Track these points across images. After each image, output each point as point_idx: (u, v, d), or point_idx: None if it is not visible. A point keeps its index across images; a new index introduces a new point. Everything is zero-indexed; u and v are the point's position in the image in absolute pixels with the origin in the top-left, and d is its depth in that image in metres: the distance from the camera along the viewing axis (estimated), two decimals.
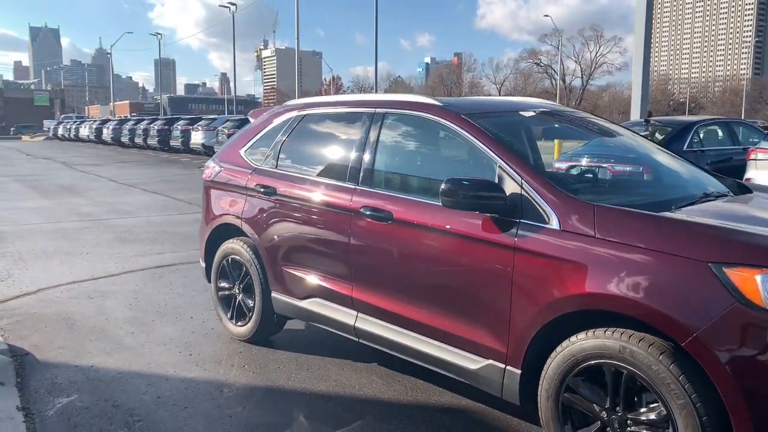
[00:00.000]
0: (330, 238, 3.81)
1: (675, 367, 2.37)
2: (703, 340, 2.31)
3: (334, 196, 3.78)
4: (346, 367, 4.10)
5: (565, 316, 2.71)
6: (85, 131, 43.36)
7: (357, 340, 3.76)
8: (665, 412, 2.42)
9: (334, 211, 3.75)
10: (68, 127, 48.56)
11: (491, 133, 3.22)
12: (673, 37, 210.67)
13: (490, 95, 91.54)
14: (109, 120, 43.32)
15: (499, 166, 3.07)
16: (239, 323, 4.54)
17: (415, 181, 3.66)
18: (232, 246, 4.51)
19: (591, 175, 4.72)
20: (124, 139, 36.11)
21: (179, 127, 29.63)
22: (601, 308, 2.61)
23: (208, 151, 26.38)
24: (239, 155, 4.68)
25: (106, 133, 39.33)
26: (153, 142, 32.62)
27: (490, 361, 3.02)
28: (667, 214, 2.77)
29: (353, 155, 3.80)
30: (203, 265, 4.92)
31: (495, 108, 3.95)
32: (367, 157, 3.72)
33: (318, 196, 3.89)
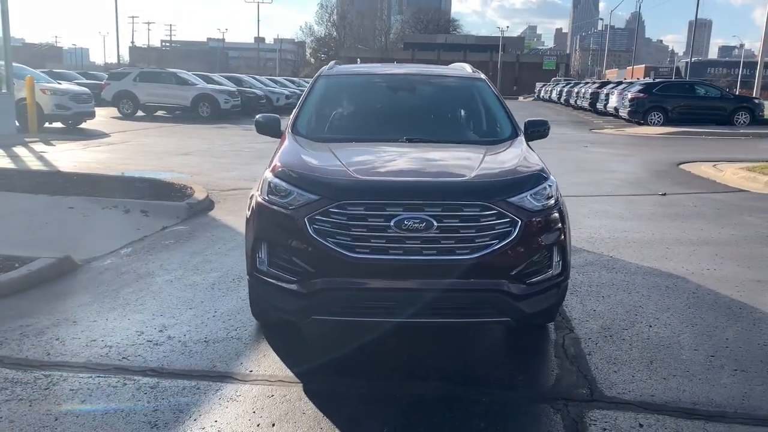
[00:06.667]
0: None
1: None
2: None
3: None
4: None
5: None
6: (554, 94, 47.58)
7: None
8: None
9: None
10: (547, 89, 53.88)
11: (314, 87, 5.37)
12: None
13: None
14: (570, 83, 46.73)
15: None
16: None
17: None
18: None
19: None
20: (571, 101, 39.26)
21: (605, 90, 31.04)
22: None
23: (617, 114, 27.35)
24: None
25: (556, 95, 45.02)
26: (584, 104, 34.94)
27: None
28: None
29: None
30: None
31: (357, 71, 6.01)
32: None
33: None
